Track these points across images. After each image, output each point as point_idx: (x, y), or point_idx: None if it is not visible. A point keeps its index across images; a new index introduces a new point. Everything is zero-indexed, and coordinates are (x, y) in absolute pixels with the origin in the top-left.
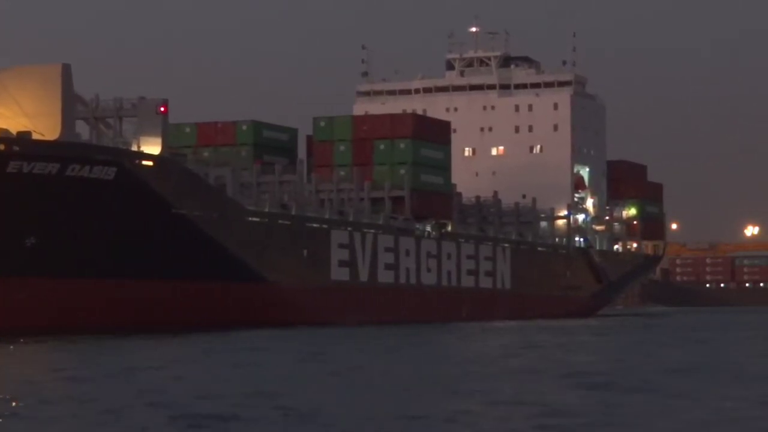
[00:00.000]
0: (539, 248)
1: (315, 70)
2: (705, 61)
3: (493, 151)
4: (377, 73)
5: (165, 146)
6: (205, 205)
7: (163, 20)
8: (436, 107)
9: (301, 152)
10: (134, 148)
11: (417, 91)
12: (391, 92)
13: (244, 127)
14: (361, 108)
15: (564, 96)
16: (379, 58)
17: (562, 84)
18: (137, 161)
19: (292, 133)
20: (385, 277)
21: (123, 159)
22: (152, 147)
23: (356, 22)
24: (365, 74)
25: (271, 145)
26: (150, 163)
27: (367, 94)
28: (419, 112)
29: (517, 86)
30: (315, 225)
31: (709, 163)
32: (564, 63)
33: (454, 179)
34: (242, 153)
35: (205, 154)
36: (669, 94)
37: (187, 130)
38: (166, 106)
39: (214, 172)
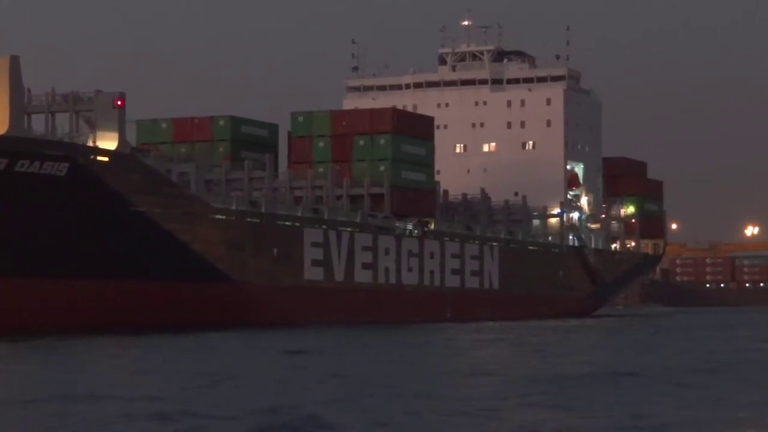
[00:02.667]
0: (530, 247)
1: (305, 65)
2: (706, 59)
3: (485, 148)
4: (368, 68)
5: (122, 141)
6: (167, 202)
7: (156, 14)
8: (426, 103)
9: (283, 148)
10: (90, 143)
11: (408, 86)
12: (382, 87)
13: (221, 123)
14: (350, 103)
15: (557, 91)
16: (370, 52)
17: (555, 79)
18: (91, 157)
19: (273, 128)
20: (362, 276)
21: (75, 154)
22: (108, 142)
23: (347, 15)
24: (355, 69)
25: (250, 141)
26: (105, 158)
27: (357, 89)
28: (410, 107)
29: (510, 81)
30: (287, 223)
31: (709, 162)
32: (557, 57)
33: (445, 176)
34: (219, 149)
35: (182, 149)
36: (670, 91)
37: (164, 125)
38: (123, 100)
39: (178, 168)
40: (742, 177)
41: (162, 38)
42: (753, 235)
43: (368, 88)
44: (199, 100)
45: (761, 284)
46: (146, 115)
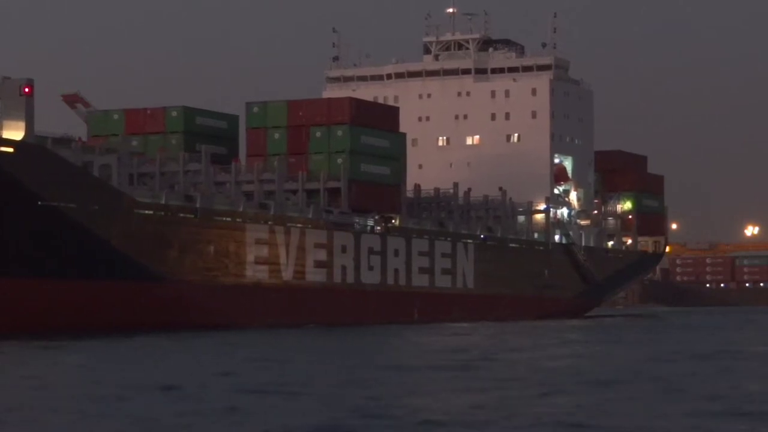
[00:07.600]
0: (511, 244)
1: (284, 55)
2: (707, 57)
3: (468, 141)
4: (350, 57)
5: (30, 131)
6: (83, 196)
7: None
8: (408, 93)
9: (243, 141)
10: None
11: (389, 76)
12: (363, 78)
13: (174, 114)
14: (330, 94)
15: (543, 81)
16: (352, 41)
17: (541, 68)
18: None
19: (233, 120)
20: (315, 275)
21: None
22: (14, 132)
23: (328, 2)
24: (336, 59)
25: (206, 132)
26: (9, 149)
27: (337, 80)
28: (391, 98)
29: (494, 71)
30: (226, 219)
31: (709, 162)
32: (543, 45)
33: (427, 170)
34: (172, 141)
35: (134, 143)
36: (670, 89)
37: (116, 117)
38: (30, 87)
39: (100, 160)
40: (742, 176)
41: (164, 35)
42: (753, 235)
43: (349, 79)
44: (172, 90)
45: (761, 284)
46: (172, 102)
